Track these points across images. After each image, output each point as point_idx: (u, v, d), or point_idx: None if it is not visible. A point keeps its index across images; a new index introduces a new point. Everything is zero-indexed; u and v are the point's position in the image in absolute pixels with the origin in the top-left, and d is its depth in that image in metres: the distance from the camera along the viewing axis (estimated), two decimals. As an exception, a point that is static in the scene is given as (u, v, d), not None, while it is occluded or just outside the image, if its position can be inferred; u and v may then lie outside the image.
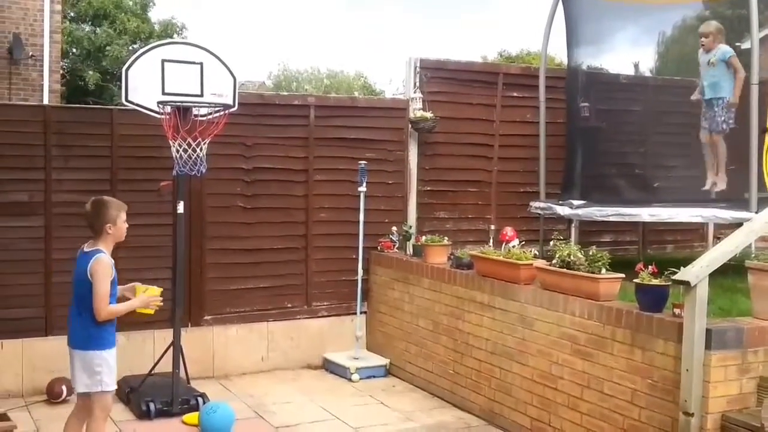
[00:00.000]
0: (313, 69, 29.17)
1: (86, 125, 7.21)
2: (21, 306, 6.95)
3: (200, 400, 6.47)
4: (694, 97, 7.70)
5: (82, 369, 4.81)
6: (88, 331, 4.79)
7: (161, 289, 5.10)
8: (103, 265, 4.70)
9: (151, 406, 6.31)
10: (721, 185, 7.43)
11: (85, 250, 4.82)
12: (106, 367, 4.81)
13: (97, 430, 4.88)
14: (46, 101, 12.80)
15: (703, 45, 7.46)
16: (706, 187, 7.49)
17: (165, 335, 6.72)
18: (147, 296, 4.97)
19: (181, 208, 6.56)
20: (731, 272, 5.57)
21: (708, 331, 4.69)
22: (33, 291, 6.99)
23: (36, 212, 6.99)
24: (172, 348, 6.57)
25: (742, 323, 4.93)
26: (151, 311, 5.07)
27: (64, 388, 6.71)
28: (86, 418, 4.94)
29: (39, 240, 7.01)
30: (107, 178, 7.18)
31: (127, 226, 4.90)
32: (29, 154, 6.98)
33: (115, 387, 4.94)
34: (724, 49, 7.33)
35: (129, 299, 4.97)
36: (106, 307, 4.72)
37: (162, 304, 5.08)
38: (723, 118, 7.32)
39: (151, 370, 6.62)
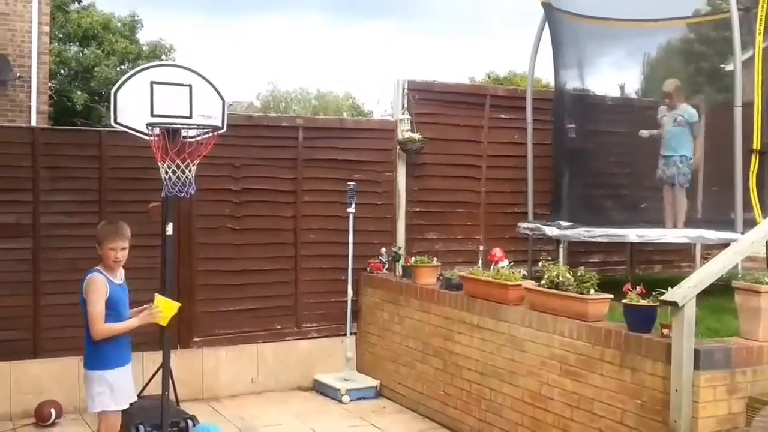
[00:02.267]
0: (302, 89, 29.22)
1: (75, 147, 7.22)
2: (9, 328, 6.91)
3: (190, 422, 6.43)
4: (645, 133, 7.87)
5: (87, 388, 4.85)
6: (89, 350, 4.82)
7: (179, 305, 5.13)
8: (94, 284, 4.72)
9: (141, 428, 6.26)
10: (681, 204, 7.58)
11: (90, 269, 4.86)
12: (107, 387, 4.80)
13: None
14: (34, 122, 12.78)
15: (666, 103, 7.65)
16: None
17: (154, 357, 6.67)
18: (147, 313, 4.93)
19: (170, 229, 6.54)
20: (719, 292, 5.60)
21: (696, 352, 4.72)
22: (21, 313, 6.96)
23: (24, 234, 6.98)
24: (161, 370, 6.53)
25: (730, 343, 4.96)
26: (165, 323, 5.08)
27: (52, 410, 6.68)
28: None
29: (27, 262, 6.99)
30: (96, 200, 7.17)
31: (113, 255, 4.83)
32: (17, 175, 6.98)
33: (120, 407, 4.91)
34: (691, 112, 7.58)
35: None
36: (101, 327, 4.71)
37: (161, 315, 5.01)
38: (685, 174, 7.53)
39: (140, 393, 6.55)
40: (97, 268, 4.83)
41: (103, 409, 4.81)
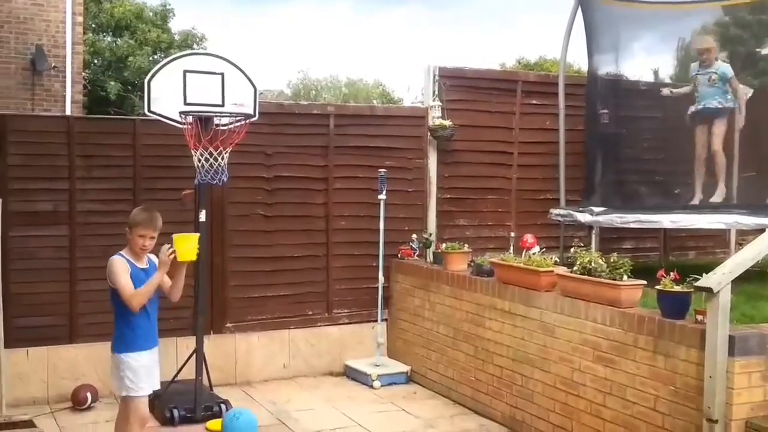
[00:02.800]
0: (332, 77, 29.27)
1: (109, 136, 7.30)
2: (46, 314, 7.03)
3: (223, 406, 6.51)
4: (666, 91, 7.83)
5: (113, 371, 4.92)
6: (115, 334, 4.89)
7: (197, 235, 5.05)
8: (114, 264, 4.78)
9: (175, 412, 6.36)
10: (719, 197, 7.44)
11: None
12: (129, 371, 4.82)
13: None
14: (68, 112, 12.95)
15: (703, 60, 7.55)
16: (694, 201, 7.51)
17: (188, 342, 6.78)
18: (163, 254, 4.77)
19: (203, 216, 6.62)
20: (754, 278, 5.56)
21: (731, 338, 4.68)
22: (57, 299, 7.07)
23: (61, 221, 7.08)
24: (195, 355, 6.62)
25: (765, 330, 4.91)
26: (192, 257, 4.90)
27: (88, 394, 6.79)
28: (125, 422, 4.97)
29: (63, 249, 7.10)
30: (130, 187, 7.26)
31: (141, 243, 4.85)
32: (53, 164, 7.07)
33: (145, 392, 4.92)
34: (725, 69, 7.48)
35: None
36: (134, 295, 4.73)
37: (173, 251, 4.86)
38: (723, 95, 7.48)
39: (174, 377, 6.67)
40: (121, 252, 4.88)
41: (127, 393, 4.85)
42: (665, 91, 7.88)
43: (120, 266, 4.78)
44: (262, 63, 39.30)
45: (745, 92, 7.58)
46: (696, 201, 7.64)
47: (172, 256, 4.79)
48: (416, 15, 55.41)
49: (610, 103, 8.38)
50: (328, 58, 48.81)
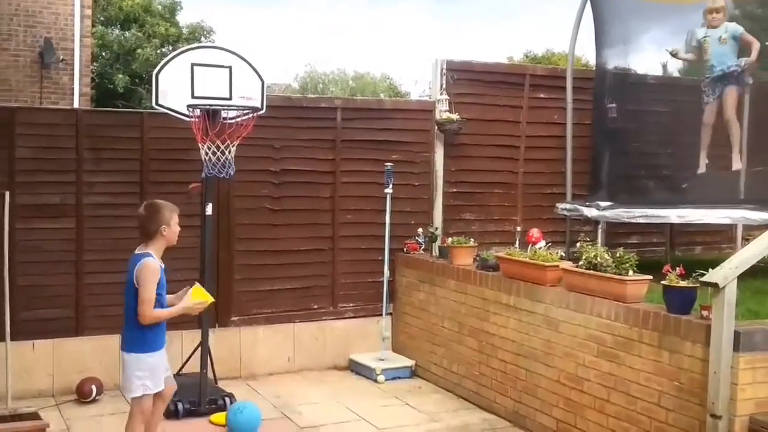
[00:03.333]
0: (340, 71, 29.23)
1: (117, 128, 7.32)
2: (52, 306, 7.06)
3: (228, 400, 6.53)
4: (674, 51, 7.70)
5: (126, 372, 4.85)
6: (132, 334, 4.83)
7: (213, 300, 5.17)
8: (149, 270, 4.71)
9: (179, 405, 6.38)
10: (737, 165, 7.35)
11: (136, 252, 4.84)
12: (149, 371, 4.82)
13: (132, 430, 4.93)
14: (76, 105, 12.98)
15: (713, 20, 7.43)
16: (701, 170, 7.43)
17: (193, 336, 6.79)
18: (193, 304, 4.93)
19: (209, 209, 6.63)
20: (760, 274, 5.54)
21: (736, 334, 4.66)
22: (64, 292, 7.09)
23: (68, 214, 7.10)
24: (200, 348, 6.64)
25: (771, 326, 4.89)
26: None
27: (93, 387, 6.82)
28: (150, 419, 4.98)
29: (70, 241, 7.12)
30: (137, 180, 7.27)
31: (179, 229, 4.94)
32: (61, 157, 7.09)
33: (160, 389, 4.93)
34: (733, 27, 7.35)
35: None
36: (151, 312, 4.73)
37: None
38: (738, 66, 7.33)
39: (179, 370, 6.69)
40: (148, 252, 4.80)
41: (143, 393, 4.84)
42: (673, 50, 7.70)
43: (153, 275, 4.72)
44: (269, 56, 39.30)
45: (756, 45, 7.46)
46: (703, 169, 7.53)
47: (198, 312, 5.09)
48: (424, 8, 55.28)
49: (618, 97, 8.32)
50: (335, 52, 48.74)
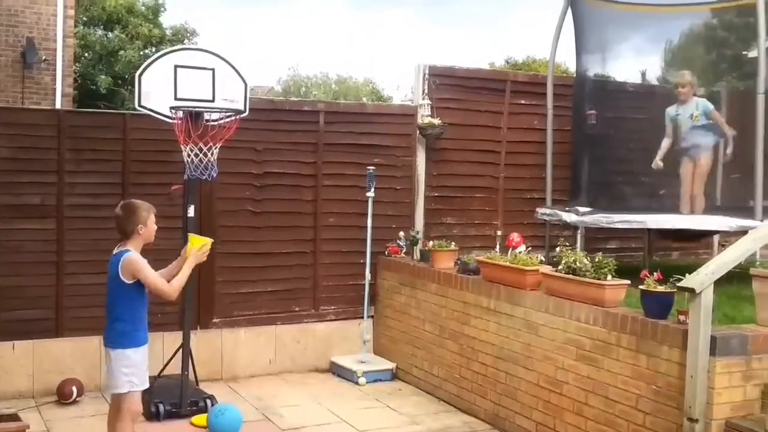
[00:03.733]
0: (323, 74, 29.27)
1: (99, 130, 7.30)
2: (32, 307, 7.03)
3: (209, 402, 6.53)
4: (656, 164, 7.70)
5: (112, 367, 4.88)
6: (117, 330, 4.87)
7: (212, 240, 5.27)
8: (135, 259, 4.80)
9: (160, 407, 6.37)
10: (699, 204, 7.45)
11: (114, 252, 4.92)
12: (134, 366, 4.87)
13: (124, 430, 4.94)
14: (58, 105, 12.93)
15: (680, 94, 7.48)
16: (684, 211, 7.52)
17: (174, 337, 6.78)
18: (199, 252, 5.08)
19: (191, 211, 6.64)
20: (736, 279, 5.61)
21: (713, 338, 4.73)
22: (44, 292, 7.07)
23: (48, 215, 7.08)
24: (181, 350, 6.64)
25: (747, 330, 4.97)
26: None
27: (74, 388, 6.80)
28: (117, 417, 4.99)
29: (51, 242, 7.09)
30: (119, 182, 7.26)
31: (156, 227, 5.00)
32: (42, 157, 7.06)
33: (145, 386, 4.99)
34: (703, 103, 7.41)
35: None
36: (169, 287, 4.88)
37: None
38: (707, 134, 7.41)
39: (160, 372, 6.68)
40: (128, 248, 4.86)
41: (130, 389, 4.87)
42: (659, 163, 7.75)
43: (144, 261, 4.83)
44: (253, 59, 39.31)
45: (731, 132, 7.54)
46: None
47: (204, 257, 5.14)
48: (407, 14, 55.43)
49: (598, 104, 8.43)
50: (318, 56, 48.83)
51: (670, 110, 7.67)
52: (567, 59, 15.32)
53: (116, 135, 7.29)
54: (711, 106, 7.45)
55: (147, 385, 5.01)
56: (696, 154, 7.51)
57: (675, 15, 8.82)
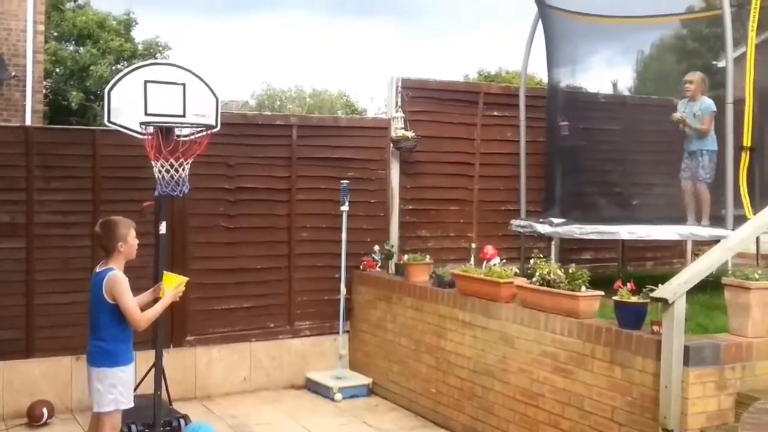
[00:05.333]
0: (297, 88, 29.27)
1: (69, 146, 7.22)
2: (2, 327, 6.91)
3: (182, 421, 6.45)
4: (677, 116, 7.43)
5: (97, 387, 4.84)
6: (102, 349, 4.83)
7: (187, 279, 5.28)
8: (119, 281, 4.78)
9: (133, 428, 6.27)
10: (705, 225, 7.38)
11: (97, 270, 4.89)
12: (121, 385, 4.85)
13: None
14: (28, 122, 12.77)
15: (687, 91, 7.36)
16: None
17: (147, 356, 6.67)
18: (174, 291, 5.12)
19: (163, 228, 6.55)
20: (709, 288, 5.64)
21: (686, 348, 4.75)
22: (14, 312, 6.95)
23: (17, 233, 6.97)
24: (153, 369, 6.54)
25: (720, 340, 4.98)
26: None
27: (45, 410, 6.69)
28: None
29: (20, 261, 6.99)
30: (89, 198, 7.18)
31: (137, 243, 4.98)
32: (11, 175, 6.97)
33: (131, 405, 4.97)
34: (709, 103, 7.26)
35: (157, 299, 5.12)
36: (140, 317, 4.85)
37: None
38: (706, 169, 7.23)
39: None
40: (111, 267, 4.84)
41: (116, 408, 4.86)
42: (676, 115, 7.56)
43: (126, 284, 4.81)
44: (227, 73, 39.22)
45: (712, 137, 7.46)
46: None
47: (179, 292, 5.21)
48: (382, 27, 55.60)
49: (570, 115, 8.47)
50: (292, 69, 48.86)
51: (681, 104, 7.53)
52: (540, 70, 15.41)
53: (86, 151, 7.21)
54: (711, 108, 7.24)
55: (132, 404, 4.97)
56: (696, 163, 7.35)
57: (645, 26, 8.90)
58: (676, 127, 7.47)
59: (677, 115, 7.39)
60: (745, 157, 6.87)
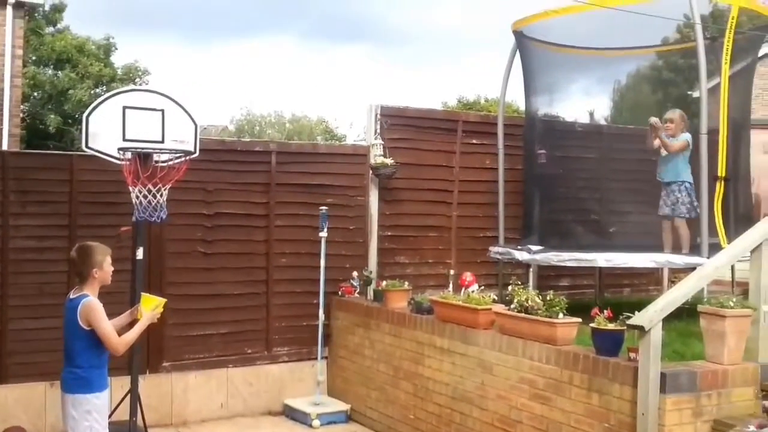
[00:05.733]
0: (276, 113, 29.29)
1: (45, 171, 7.19)
2: (-25, 354, 6.82)
3: (158, 448, 6.37)
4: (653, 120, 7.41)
5: (72, 413, 4.76)
6: (77, 375, 4.77)
7: (165, 300, 5.20)
8: (93, 308, 4.73)
9: (108, 455, 6.19)
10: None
11: (71, 297, 4.83)
12: (96, 412, 4.77)
13: None
14: (5, 146, 12.68)
15: (668, 129, 7.40)
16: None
17: (122, 382, 6.62)
18: (151, 314, 5.06)
19: (140, 254, 6.53)
20: (685, 315, 5.68)
21: (663, 375, 4.78)
22: (-13, 338, 6.87)
23: (-8, 258, 6.91)
24: (129, 395, 6.48)
25: (696, 367, 5.02)
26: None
27: (18, 437, 6.58)
28: None
29: (-6, 286, 6.91)
30: (66, 224, 7.13)
31: (112, 269, 4.92)
32: (-14, 199, 6.92)
33: (106, 431, 4.88)
34: (686, 136, 7.30)
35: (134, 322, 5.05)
36: (119, 342, 4.79)
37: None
38: (686, 203, 7.27)
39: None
40: (85, 293, 4.78)
41: None
42: (653, 119, 7.52)
43: (101, 310, 4.75)
44: (206, 98, 39.22)
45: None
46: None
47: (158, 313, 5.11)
48: (361, 53, 55.95)
49: (548, 144, 8.55)
50: (272, 95, 48.96)
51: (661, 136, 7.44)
52: (517, 98, 15.57)
53: (63, 176, 7.17)
54: (687, 138, 7.27)
55: (107, 431, 4.88)
56: (677, 182, 7.37)
57: (622, 58, 9.03)
58: (653, 154, 7.57)
59: (654, 119, 7.42)
60: (719, 187, 6.95)
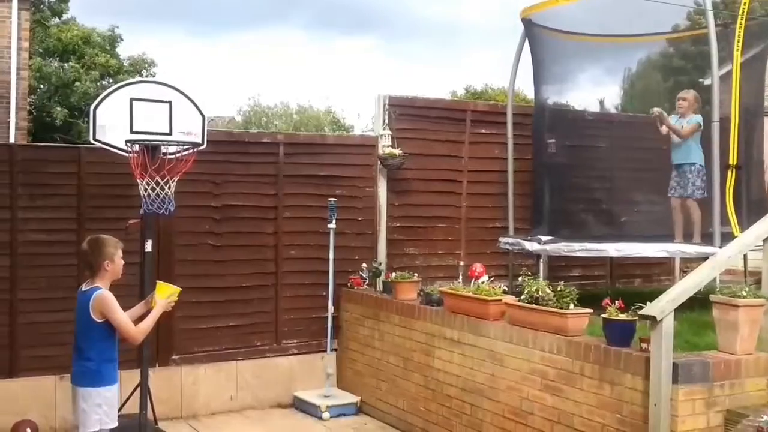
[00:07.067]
0: (283, 104, 29.20)
1: (53, 164, 7.18)
2: (-16, 347, 6.83)
3: (168, 441, 6.37)
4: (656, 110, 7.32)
5: (82, 407, 4.76)
6: (87, 368, 4.77)
7: (180, 289, 5.22)
8: (107, 299, 4.73)
9: (118, 449, 6.19)
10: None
11: (83, 289, 4.82)
12: (107, 405, 4.77)
13: None
14: (12, 139, 12.68)
15: (680, 107, 7.35)
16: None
17: (132, 375, 6.60)
18: (166, 301, 5.08)
19: (149, 246, 6.51)
20: (698, 306, 5.64)
21: (675, 366, 4.74)
22: (-3, 332, 6.87)
23: (1, 252, 6.90)
24: (139, 389, 6.48)
25: (708, 357, 4.98)
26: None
27: (28, 430, 6.61)
28: None
29: (4, 280, 6.92)
30: (74, 216, 7.12)
31: (123, 263, 4.90)
32: (-5, 193, 6.91)
33: (115, 424, 4.87)
34: (697, 117, 7.24)
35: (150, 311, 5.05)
36: (135, 331, 4.82)
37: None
38: (697, 185, 7.20)
39: (117, 411, 6.50)
40: (96, 285, 4.77)
41: (101, 428, 4.77)
42: (655, 110, 7.42)
43: (115, 301, 4.75)
44: (213, 89, 39.21)
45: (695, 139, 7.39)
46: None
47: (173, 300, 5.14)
48: (369, 43, 55.84)
49: (557, 133, 8.49)
50: (279, 86, 48.92)
51: (674, 117, 7.44)
52: (526, 87, 15.49)
53: (71, 169, 7.16)
54: (697, 120, 7.20)
55: (116, 424, 4.89)
56: (687, 165, 7.31)
57: (632, 45, 8.95)
58: (664, 143, 7.50)
59: (657, 109, 7.34)
60: (731, 176, 6.89)
